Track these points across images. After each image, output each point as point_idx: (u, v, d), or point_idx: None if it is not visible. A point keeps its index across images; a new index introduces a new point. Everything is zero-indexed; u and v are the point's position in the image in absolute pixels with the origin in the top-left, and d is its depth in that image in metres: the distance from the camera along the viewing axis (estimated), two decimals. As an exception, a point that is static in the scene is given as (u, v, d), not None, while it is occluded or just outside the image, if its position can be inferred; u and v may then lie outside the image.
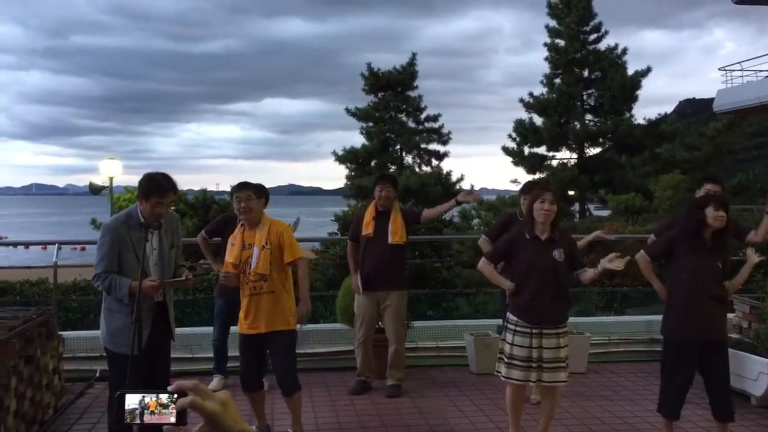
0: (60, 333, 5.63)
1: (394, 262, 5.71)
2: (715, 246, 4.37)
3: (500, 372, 4.44)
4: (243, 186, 4.57)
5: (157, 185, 3.98)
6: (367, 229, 5.72)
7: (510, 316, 4.43)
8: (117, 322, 4.01)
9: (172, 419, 1.11)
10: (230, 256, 4.56)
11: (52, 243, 6.93)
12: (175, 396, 1.12)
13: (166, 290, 4.20)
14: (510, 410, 4.51)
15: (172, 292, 4.38)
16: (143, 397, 1.13)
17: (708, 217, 4.35)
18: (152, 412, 1.12)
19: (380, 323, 5.92)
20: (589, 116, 28.45)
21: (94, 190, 21.64)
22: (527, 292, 4.32)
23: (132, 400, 1.13)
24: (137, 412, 1.13)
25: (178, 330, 6.18)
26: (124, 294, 3.89)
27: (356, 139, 56.91)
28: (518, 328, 4.35)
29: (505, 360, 4.39)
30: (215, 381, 5.88)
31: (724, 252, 4.41)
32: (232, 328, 5.94)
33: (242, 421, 1.14)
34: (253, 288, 4.50)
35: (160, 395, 1.12)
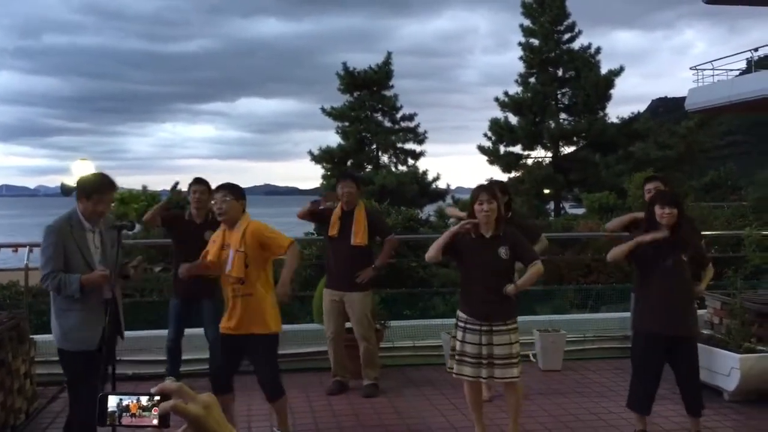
0: (32, 337, 5.55)
1: (358, 263, 5.69)
2: (675, 241, 4.44)
3: (452, 369, 4.48)
4: (218, 188, 4.56)
5: (98, 183, 4.08)
6: (333, 230, 5.73)
7: (459, 313, 4.47)
8: (70, 321, 4.02)
9: (155, 422, 1.10)
10: (211, 253, 4.54)
11: (23, 245, 6.82)
12: (156, 398, 1.11)
13: (115, 287, 4.18)
14: (471, 408, 4.56)
15: (119, 290, 4.39)
16: (120, 399, 1.12)
17: (656, 214, 4.45)
18: (132, 415, 1.11)
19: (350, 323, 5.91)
20: (563, 115, 28.67)
21: (66, 191, 21.33)
22: (474, 291, 4.37)
23: (111, 403, 1.12)
24: (116, 414, 1.11)
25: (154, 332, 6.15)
26: (75, 289, 3.91)
27: (332, 139, 56.81)
28: (468, 325, 4.39)
29: (456, 357, 4.44)
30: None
31: (686, 246, 4.48)
32: (188, 331, 5.82)
33: (226, 424, 1.13)
34: (232, 289, 4.49)
35: (141, 398, 1.11)
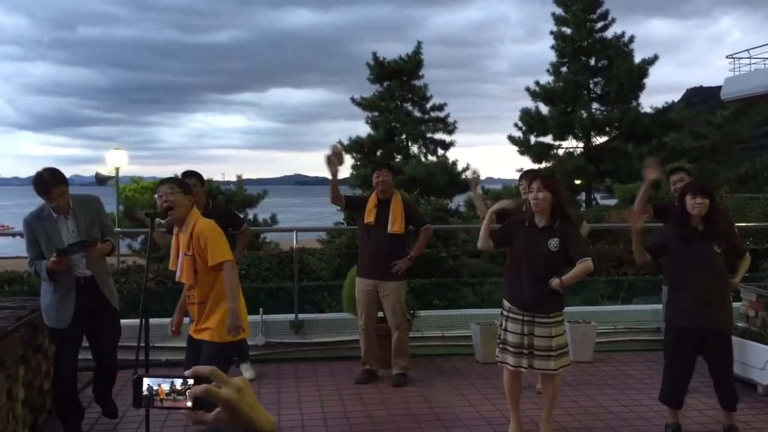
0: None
1: (393, 251, 5.69)
2: (708, 233, 4.37)
3: (497, 357, 4.47)
4: (163, 181, 4.21)
5: (42, 184, 4.26)
6: (369, 217, 5.72)
7: (504, 302, 4.45)
8: (47, 300, 4.44)
9: (189, 404, 1.12)
10: (171, 262, 4.23)
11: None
12: (190, 382, 1.12)
13: (92, 263, 4.41)
14: (508, 397, 4.53)
15: (105, 265, 4.63)
16: (151, 383, 1.14)
17: (687, 205, 4.38)
18: (162, 400, 1.13)
19: (382, 312, 5.92)
20: (595, 105, 28.29)
21: (101, 180, 21.69)
22: (519, 280, 4.33)
23: (144, 386, 1.14)
24: (149, 397, 1.14)
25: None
26: (45, 275, 4.33)
27: (362, 129, 56.85)
28: (510, 314, 4.36)
29: (500, 345, 4.43)
30: (244, 370, 5.87)
31: (717, 237, 4.41)
32: None
33: (259, 407, 1.14)
34: (188, 296, 4.19)
35: (175, 381, 1.13)
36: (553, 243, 4.25)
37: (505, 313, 4.42)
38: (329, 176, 5.59)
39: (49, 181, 4.27)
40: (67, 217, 4.41)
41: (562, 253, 4.27)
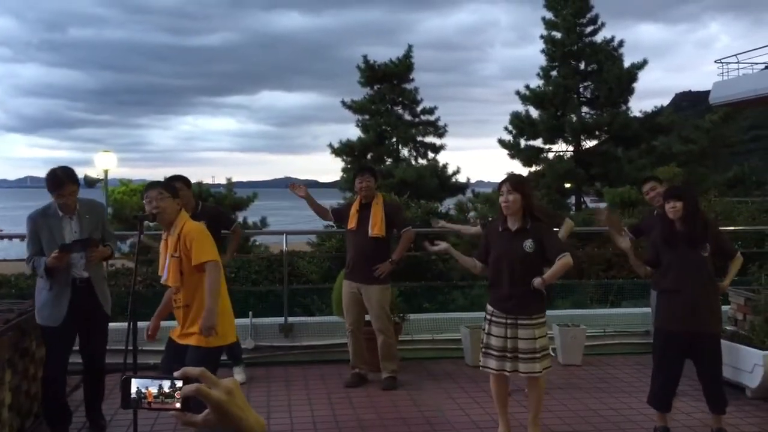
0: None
1: (376, 255, 5.69)
2: (692, 237, 4.40)
3: (480, 362, 4.48)
4: (151, 185, 4.13)
5: (55, 181, 4.42)
6: (351, 222, 5.76)
7: (487, 306, 4.47)
8: (43, 298, 4.50)
9: (177, 405, 1.12)
10: (160, 266, 4.16)
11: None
12: (179, 384, 1.12)
13: (91, 265, 4.52)
14: (495, 401, 4.53)
15: (102, 269, 4.75)
16: (138, 387, 1.13)
17: (666, 210, 4.45)
18: (149, 403, 1.13)
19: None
20: (585, 109, 28.39)
21: (89, 182, 21.53)
22: (500, 284, 4.35)
23: (132, 388, 1.14)
24: (137, 399, 1.13)
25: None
26: (42, 271, 4.40)
27: (352, 132, 56.90)
28: (494, 318, 4.38)
29: (483, 349, 4.44)
30: (236, 373, 5.85)
31: (705, 241, 4.44)
32: None
33: (249, 409, 1.14)
34: (174, 300, 4.10)
35: (164, 384, 1.13)
36: (528, 244, 4.28)
37: (488, 317, 4.43)
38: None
39: (62, 178, 4.43)
40: (72, 217, 4.53)
41: (538, 254, 4.30)
